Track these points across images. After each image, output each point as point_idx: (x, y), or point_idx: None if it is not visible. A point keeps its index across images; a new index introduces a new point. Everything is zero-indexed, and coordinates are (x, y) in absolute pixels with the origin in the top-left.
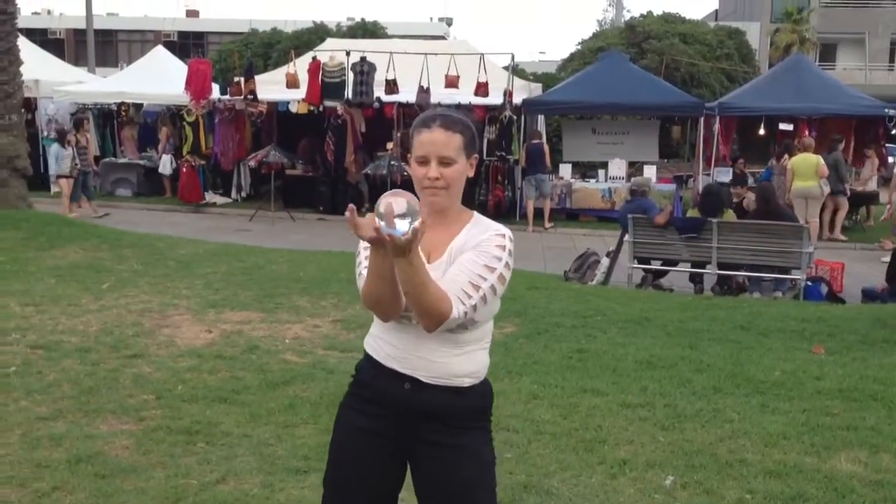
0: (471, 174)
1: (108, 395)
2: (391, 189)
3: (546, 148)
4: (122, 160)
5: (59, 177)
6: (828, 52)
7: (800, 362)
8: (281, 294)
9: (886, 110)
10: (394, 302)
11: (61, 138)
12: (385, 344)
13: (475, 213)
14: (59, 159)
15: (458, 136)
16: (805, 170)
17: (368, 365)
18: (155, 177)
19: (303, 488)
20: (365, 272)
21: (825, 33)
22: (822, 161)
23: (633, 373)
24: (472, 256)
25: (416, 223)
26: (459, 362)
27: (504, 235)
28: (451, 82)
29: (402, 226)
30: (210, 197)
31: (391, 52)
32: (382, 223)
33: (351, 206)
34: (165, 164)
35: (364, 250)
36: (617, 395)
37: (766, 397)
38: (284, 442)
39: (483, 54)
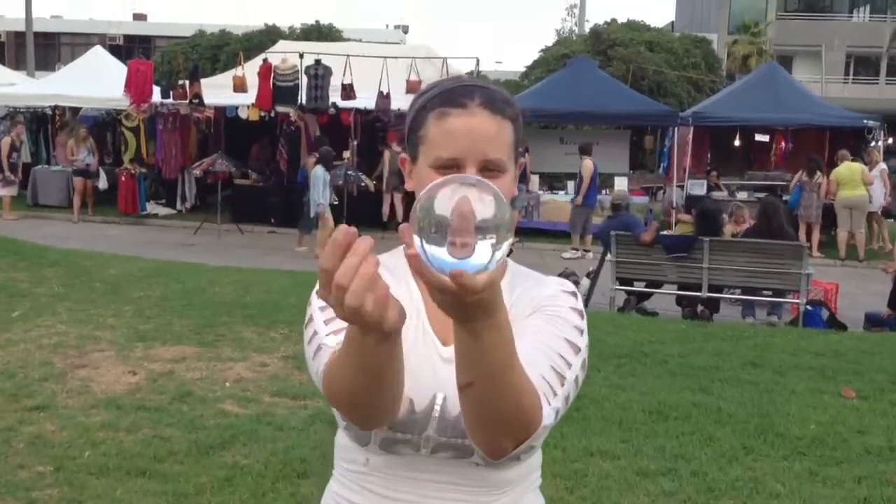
0: (514, 192)
1: None
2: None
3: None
4: (55, 168)
5: (319, 205)
6: (784, 64)
7: (833, 411)
8: (223, 323)
9: (865, 121)
10: (388, 403)
11: (326, 161)
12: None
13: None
14: (324, 187)
15: (509, 126)
16: (851, 178)
17: None
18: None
19: None
20: (334, 346)
21: (782, 45)
22: (866, 169)
23: (643, 426)
24: (544, 327)
25: (506, 244)
26: None
27: (575, 294)
28: (413, 87)
29: (484, 251)
30: (152, 208)
31: (348, 56)
32: (435, 249)
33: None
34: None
35: (324, 310)
36: (630, 459)
37: (808, 461)
38: None
39: (446, 58)
